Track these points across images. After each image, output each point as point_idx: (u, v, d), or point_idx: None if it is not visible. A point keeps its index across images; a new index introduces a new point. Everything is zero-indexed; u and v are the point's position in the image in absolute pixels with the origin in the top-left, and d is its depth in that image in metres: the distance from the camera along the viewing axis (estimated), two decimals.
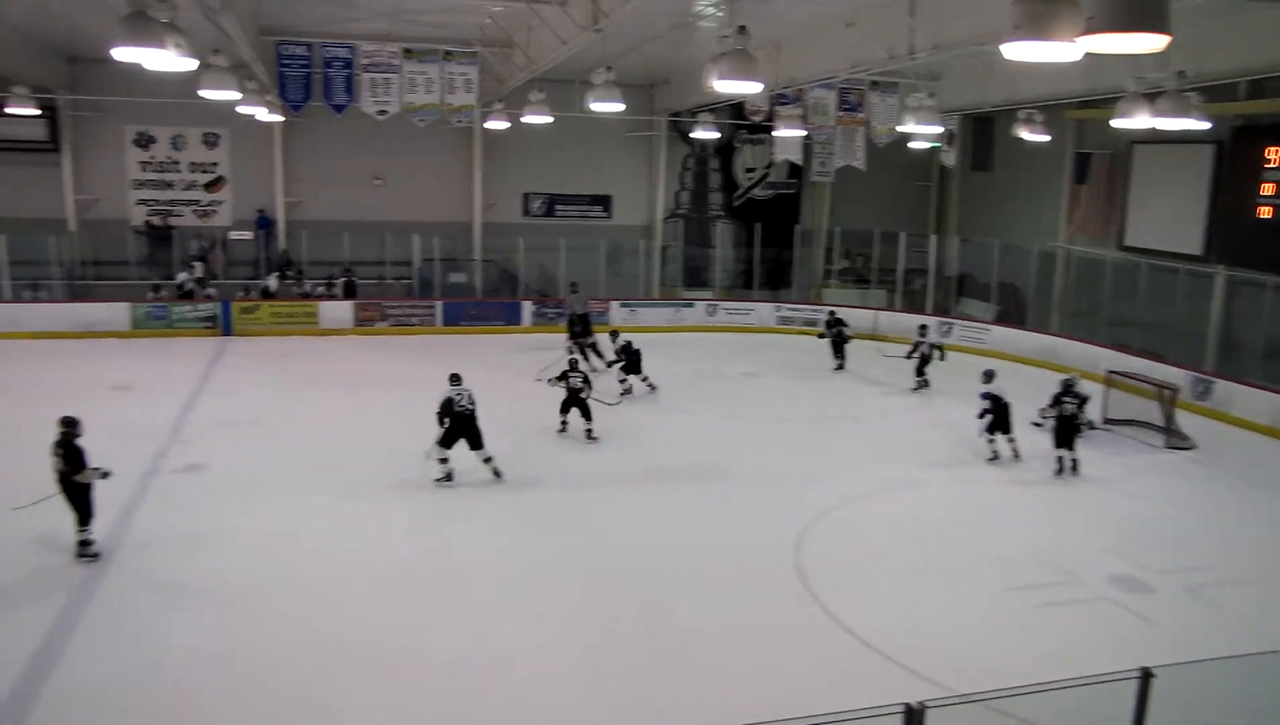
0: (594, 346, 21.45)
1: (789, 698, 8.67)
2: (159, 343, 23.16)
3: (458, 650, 9.52)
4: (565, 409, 16.60)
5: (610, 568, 11.65)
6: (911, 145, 25.77)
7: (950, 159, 28.66)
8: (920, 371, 21.15)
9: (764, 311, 27.62)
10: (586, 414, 16.37)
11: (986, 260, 27.88)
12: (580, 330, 21.99)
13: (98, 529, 11.37)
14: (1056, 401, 15.81)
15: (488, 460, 14.22)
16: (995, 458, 16.40)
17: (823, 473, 15.46)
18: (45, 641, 9.29)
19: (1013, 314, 27.63)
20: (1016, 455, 16.48)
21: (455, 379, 14.29)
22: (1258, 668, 5.76)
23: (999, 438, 16.41)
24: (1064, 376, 16.50)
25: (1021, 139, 23.31)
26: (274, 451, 15.36)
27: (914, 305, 28.89)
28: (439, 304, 25.86)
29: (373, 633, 9.73)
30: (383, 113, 23.95)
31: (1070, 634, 10.41)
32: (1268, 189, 21.05)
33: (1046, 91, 21.57)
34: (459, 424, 13.99)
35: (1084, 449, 16.64)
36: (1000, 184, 30.04)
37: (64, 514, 11.09)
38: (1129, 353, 22.01)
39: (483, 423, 14.11)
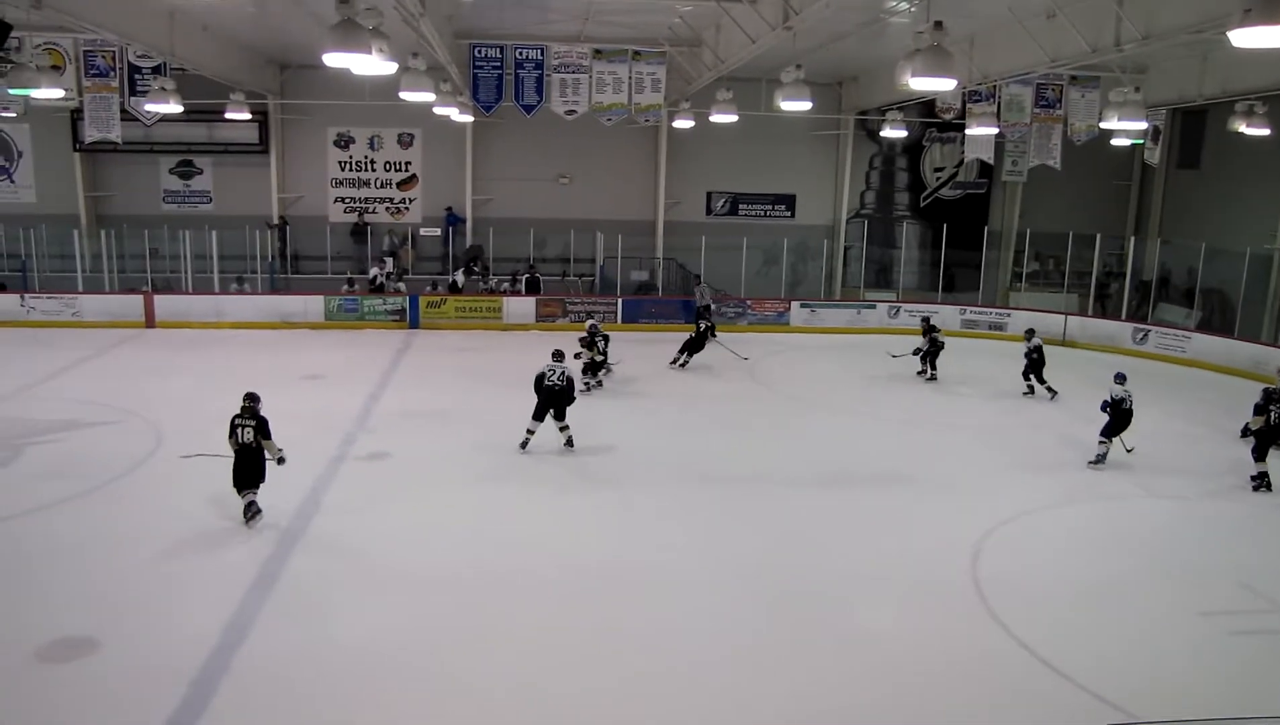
0: (712, 331, 22.24)
1: (963, 716, 8.51)
2: (350, 334, 24.30)
3: (637, 645, 9.63)
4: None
5: (789, 570, 11.54)
6: (1112, 142, 24.71)
7: (1154, 156, 27.32)
8: (932, 365, 21.31)
9: (949, 314, 26.93)
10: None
11: (1190, 264, 26.42)
12: (706, 321, 22.58)
13: (288, 507, 12.12)
14: (1262, 411, 14.89)
15: (563, 429, 15.23)
16: (1099, 460, 15.70)
17: (1000, 483, 14.94)
18: (233, 619, 9.73)
19: (1218, 321, 26.10)
20: (1128, 450, 15.86)
21: (556, 356, 15.46)
22: None
23: (1114, 441, 15.76)
24: (1266, 386, 15.51)
25: (1237, 133, 22.01)
26: (454, 443, 15.77)
27: (1108, 311, 27.65)
28: (619, 301, 26.23)
29: (554, 626, 9.92)
30: (571, 112, 24.45)
31: (1268, 666, 9.79)
32: None
33: (1270, 80, 20.13)
34: (547, 398, 15.00)
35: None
36: (1209, 182, 28.42)
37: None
38: None
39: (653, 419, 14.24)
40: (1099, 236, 27.43)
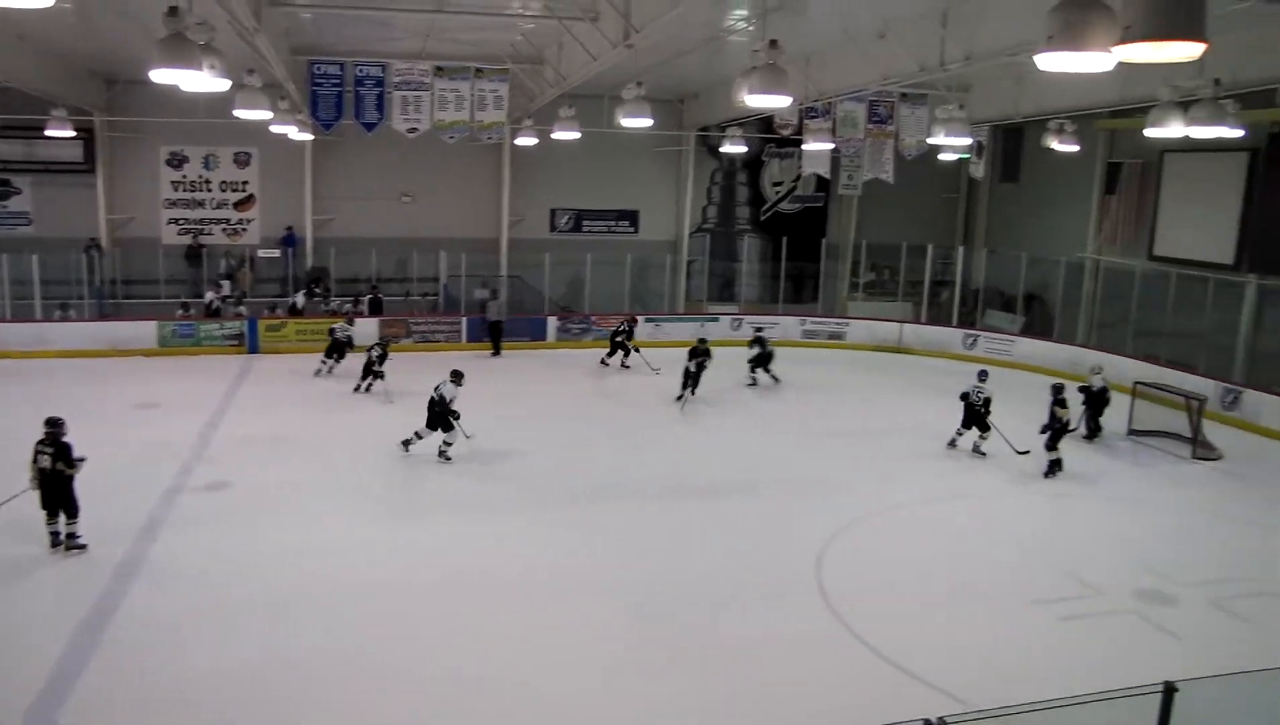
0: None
1: (814, 715, 8.78)
2: (186, 361, 23.30)
3: (485, 664, 9.63)
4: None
5: (641, 581, 11.72)
6: (940, 157, 25.81)
7: (979, 170, 28.63)
8: (765, 372, 22.40)
9: (789, 325, 27.63)
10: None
11: (1014, 272, 27.82)
12: (492, 336, 23.78)
13: (121, 539, 11.68)
14: (1064, 405, 16.09)
15: (441, 442, 15.87)
16: (953, 444, 17.14)
17: (845, 487, 15.50)
18: (67, 652, 9.39)
19: (1039, 326, 27.58)
20: (977, 450, 17.11)
21: (451, 376, 16.06)
22: None
23: (966, 433, 17.05)
24: (1055, 381, 16.74)
25: (1051, 149, 23.33)
26: (297, 469, 15.41)
27: (940, 318, 28.84)
28: (464, 320, 26.01)
29: (399, 650, 9.82)
30: (413, 130, 24.18)
31: (1094, 647, 10.43)
32: None
33: (1077, 101, 21.50)
34: (429, 411, 15.79)
35: (1111, 460, 16.70)
36: (1029, 195, 30.00)
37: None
38: (1157, 363, 21.97)
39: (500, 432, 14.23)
40: (930, 247, 28.62)
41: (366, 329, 24.44)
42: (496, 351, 24.72)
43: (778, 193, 32.09)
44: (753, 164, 31.44)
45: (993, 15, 14.75)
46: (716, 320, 27.84)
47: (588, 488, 15.05)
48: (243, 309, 25.57)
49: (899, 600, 11.40)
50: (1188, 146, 20.18)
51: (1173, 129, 15.09)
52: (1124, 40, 5.94)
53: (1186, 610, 11.46)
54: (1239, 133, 16.49)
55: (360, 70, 23.61)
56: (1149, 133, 15.42)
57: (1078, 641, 10.63)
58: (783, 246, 29.17)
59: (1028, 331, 27.20)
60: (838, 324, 28.01)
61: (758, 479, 15.80)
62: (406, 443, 16.11)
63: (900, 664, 9.84)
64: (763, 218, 31.96)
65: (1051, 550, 13.22)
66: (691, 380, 20.13)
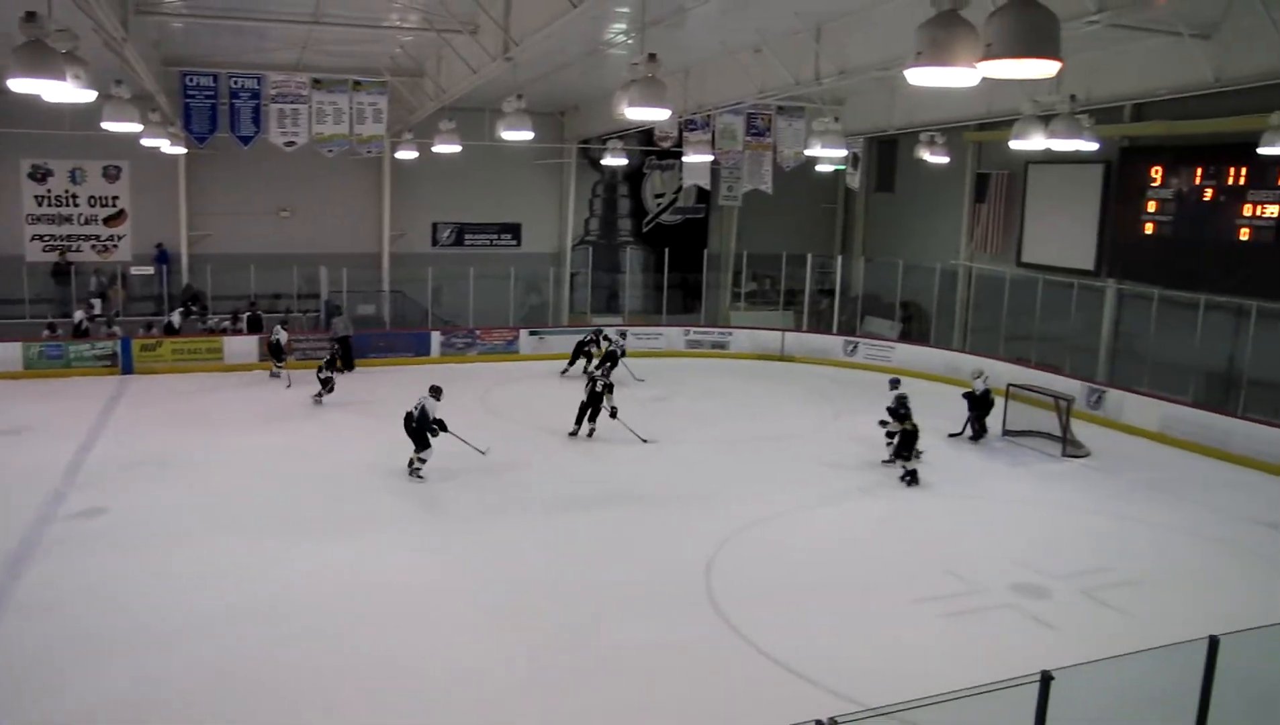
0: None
1: (706, 720, 8.89)
2: (55, 383, 22.30)
3: (376, 684, 9.51)
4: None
5: (534, 594, 11.71)
6: (817, 168, 26.37)
7: (854, 181, 29.32)
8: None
9: (673, 335, 27.89)
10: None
11: (891, 280, 28.57)
12: (342, 352, 23.42)
13: None
14: (899, 418, 16.50)
15: (415, 457, 15.82)
16: (893, 460, 17.12)
17: (732, 494, 15.71)
18: None
19: (916, 331, 28.39)
20: (917, 456, 17.17)
21: (430, 391, 16.04)
22: (1151, 663, 6.10)
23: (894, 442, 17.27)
24: (900, 393, 17.09)
25: (923, 160, 24.07)
26: (178, 492, 14.98)
27: (821, 325, 29.43)
28: (350, 337, 25.52)
29: (283, 677, 9.64)
30: (290, 144, 23.65)
31: (976, 641, 10.80)
32: (1152, 206, 22.13)
33: (946, 115, 22.32)
34: (406, 427, 15.75)
35: (987, 461, 17.30)
36: (903, 205, 30.85)
37: None
38: (1028, 366, 22.86)
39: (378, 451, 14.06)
40: (810, 256, 29.20)
41: (245, 347, 24.00)
42: (348, 367, 24.09)
43: (659, 204, 32.37)
44: (634, 176, 31.66)
45: (865, 31, 15.19)
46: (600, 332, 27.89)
47: (477, 504, 14.97)
48: (116, 329, 24.70)
49: (787, 604, 11.61)
50: (1049, 158, 21.05)
51: (1035, 141, 15.68)
52: (986, 57, 6.19)
53: (1060, 602, 11.93)
54: (1094, 146, 17.27)
55: (235, 82, 22.98)
56: (1013, 145, 16.02)
57: (960, 636, 10.98)
58: (665, 257, 29.42)
59: (906, 337, 27.99)
60: (721, 333, 28.36)
61: (647, 489, 15.91)
62: (415, 471, 15.89)
63: (790, 666, 10.02)
64: (645, 229, 32.20)
65: (932, 549, 13.62)
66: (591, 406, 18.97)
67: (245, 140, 23.45)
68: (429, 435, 15.72)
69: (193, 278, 26.85)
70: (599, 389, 18.15)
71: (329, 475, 16.03)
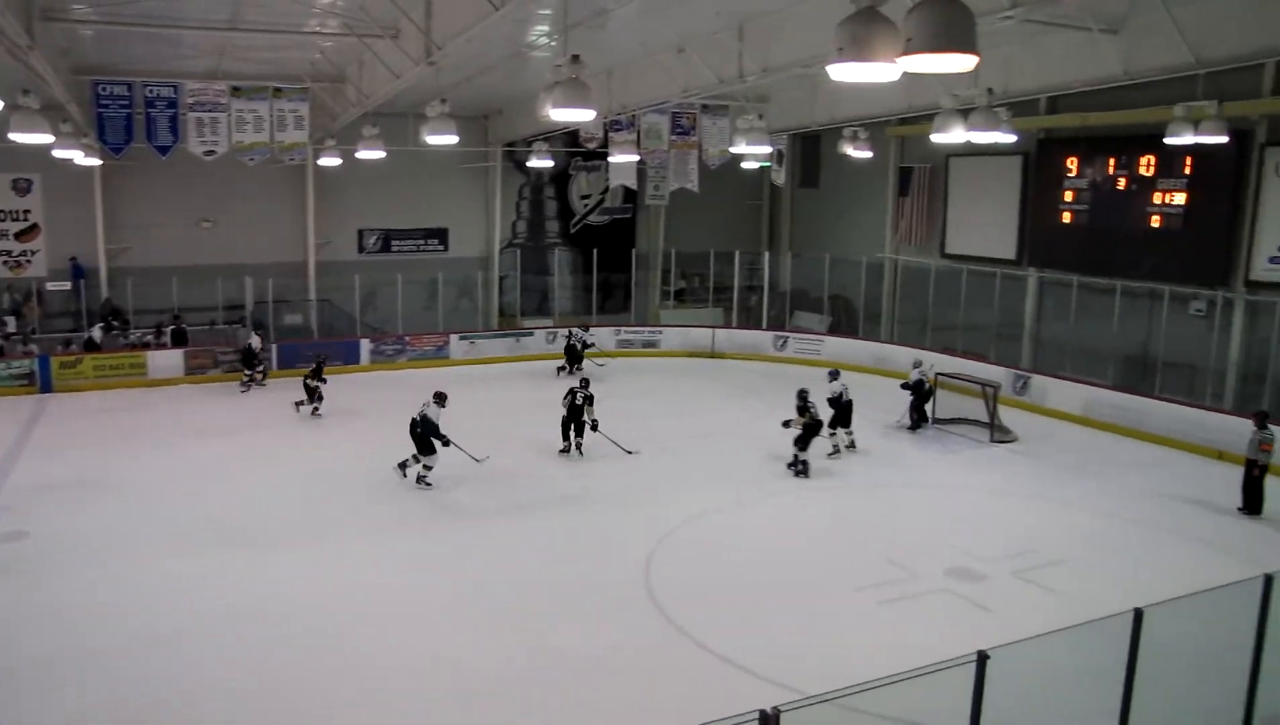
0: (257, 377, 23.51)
1: (653, 718, 8.93)
2: None
3: (313, 698, 9.44)
4: None
5: (476, 601, 11.69)
6: (743, 166, 26.57)
7: (780, 178, 29.65)
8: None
9: (604, 336, 27.93)
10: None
11: (818, 274, 28.89)
12: (253, 362, 23.41)
13: None
14: (803, 411, 16.60)
15: (420, 466, 15.84)
16: (836, 451, 17.52)
17: (669, 492, 15.82)
18: None
19: (845, 324, 28.75)
20: (853, 446, 17.84)
21: (435, 397, 16.08)
22: (1081, 638, 6.29)
23: (839, 432, 17.63)
24: (801, 388, 17.10)
25: (846, 156, 24.37)
26: (102, 514, 14.57)
27: (751, 321, 29.66)
28: (274, 347, 25.20)
29: (221, 694, 9.52)
30: (210, 153, 23.29)
31: (914, 626, 10.99)
32: (1069, 196, 22.68)
33: (868, 110, 22.65)
34: (411, 434, 15.82)
35: (919, 449, 17.62)
36: (828, 200, 31.22)
37: None
38: (954, 355, 23.28)
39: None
40: (737, 253, 29.44)
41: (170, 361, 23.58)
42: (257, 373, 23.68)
43: (586, 205, 32.40)
44: (560, 178, 31.65)
45: (786, 29, 15.37)
46: (531, 334, 27.88)
47: (412, 512, 14.87)
48: (33, 347, 24.06)
49: (727, 598, 11.72)
50: (970, 151, 21.47)
51: (955, 135, 15.97)
52: (906, 52, 6.33)
53: (994, 584, 12.19)
54: (1013, 138, 17.65)
55: (150, 91, 22.54)
56: (935, 138, 16.30)
57: (898, 622, 11.17)
58: (594, 258, 29.45)
59: (835, 331, 28.33)
60: (651, 332, 28.47)
61: (582, 491, 15.96)
62: (420, 479, 15.84)
63: (732, 659, 10.13)
64: (572, 230, 32.20)
65: (868, 539, 13.84)
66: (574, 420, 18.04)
67: (163, 150, 23.06)
68: (434, 442, 15.65)
69: (112, 292, 26.24)
70: (579, 402, 17.64)
71: (269, 487, 15.83)
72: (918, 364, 19.89)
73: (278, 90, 23.25)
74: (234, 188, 26.54)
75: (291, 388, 22.26)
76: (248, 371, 23.22)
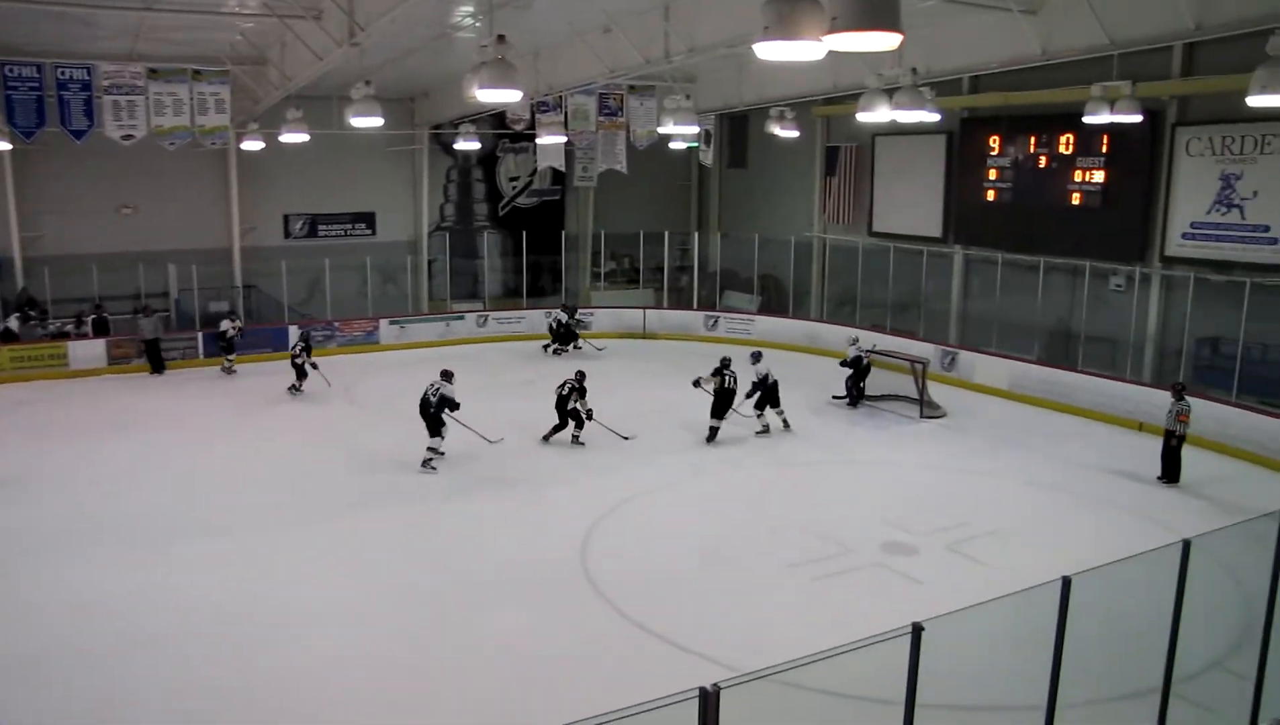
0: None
1: (590, 699, 8.96)
2: None
3: (239, 688, 9.36)
4: None
5: (410, 584, 11.64)
6: (671, 146, 26.60)
7: (708, 158, 29.70)
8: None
9: (535, 318, 27.84)
10: None
11: (747, 254, 29.04)
12: (150, 355, 23.33)
13: None
14: (718, 373, 17.00)
15: (430, 448, 15.95)
16: (766, 430, 17.68)
17: (602, 473, 15.88)
18: None
19: (775, 303, 28.98)
20: (786, 425, 17.94)
21: (442, 376, 16.17)
22: (1012, 607, 6.45)
23: (769, 412, 17.73)
24: (724, 355, 17.68)
25: (774, 135, 24.52)
26: (25, 512, 14.12)
27: (681, 302, 29.75)
28: (200, 335, 24.72)
29: (174, 687, 9.39)
30: (128, 137, 22.70)
31: (848, 601, 11.17)
32: (992, 174, 23.03)
33: (794, 90, 22.82)
34: (422, 414, 15.86)
35: (850, 426, 17.83)
36: (757, 179, 31.37)
37: None
38: (883, 332, 23.60)
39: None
40: (667, 234, 29.46)
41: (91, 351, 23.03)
42: (157, 370, 23.41)
43: (514, 187, 32.17)
44: (488, 160, 31.38)
45: (712, 9, 15.44)
46: (462, 318, 27.69)
47: (339, 499, 14.71)
48: None
49: (663, 578, 11.80)
50: (895, 130, 21.76)
51: (880, 114, 16.11)
52: (832, 30, 6.38)
53: (926, 557, 12.43)
54: (936, 117, 17.94)
55: (62, 73, 21.85)
56: (860, 118, 16.43)
57: (833, 597, 11.34)
58: (523, 241, 29.29)
59: (765, 310, 28.53)
60: (583, 314, 28.39)
61: (517, 473, 15.89)
62: (426, 462, 15.94)
63: (670, 638, 10.21)
64: (501, 213, 31.98)
65: (801, 515, 14.00)
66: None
67: (78, 134, 22.42)
68: (443, 418, 15.85)
69: (29, 281, 25.48)
70: (565, 392, 17.32)
71: (197, 480, 15.55)
72: (854, 341, 20.10)
73: (197, 73, 22.72)
74: (155, 173, 25.86)
75: (214, 376, 22.01)
76: (228, 357, 23.26)
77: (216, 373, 23.12)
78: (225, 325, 23.29)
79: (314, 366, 20.77)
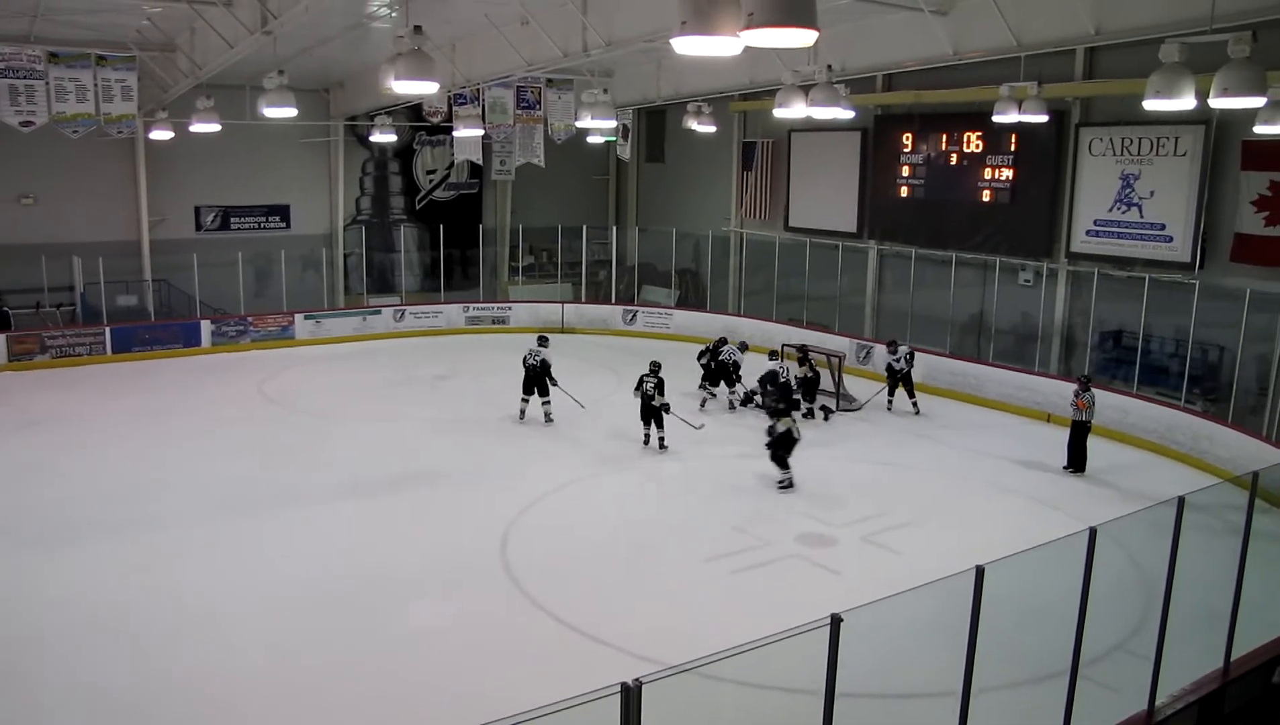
0: None
1: (511, 694, 8.94)
2: None
3: (161, 688, 9.18)
4: None
5: (325, 583, 11.47)
6: (589, 140, 26.61)
7: (626, 152, 29.73)
8: None
9: (452, 312, 27.62)
10: None
11: (665, 248, 29.17)
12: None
13: None
14: (641, 382, 16.88)
15: (545, 404, 18.00)
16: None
17: (520, 469, 15.81)
18: None
19: (693, 298, 29.14)
20: (732, 407, 19.00)
21: (539, 340, 18.22)
22: (927, 596, 6.56)
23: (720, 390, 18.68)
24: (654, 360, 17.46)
25: (691, 130, 24.62)
26: None
27: (600, 296, 29.76)
28: (107, 330, 24.03)
29: (100, 684, 9.22)
30: (27, 124, 21.94)
31: (768, 593, 11.30)
32: (905, 171, 23.42)
33: (711, 85, 22.95)
34: (527, 376, 17.86)
35: (766, 418, 17.95)
36: (674, 174, 31.50)
37: None
38: (800, 326, 23.86)
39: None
40: (585, 228, 29.43)
41: None
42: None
43: (431, 181, 31.84)
44: (404, 153, 31.01)
45: (630, 2, 15.43)
46: (379, 312, 27.36)
47: (259, 495, 14.44)
48: None
49: (582, 573, 11.83)
50: (811, 126, 21.97)
51: (796, 110, 16.24)
52: (749, 26, 6.43)
53: (843, 548, 12.63)
54: (851, 114, 18.17)
55: None
56: (777, 113, 16.53)
57: (752, 590, 11.45)
58: (440, 234, 29.02)
59: (683, 304, 28.70)
60: (500, 308, 28.29)
61: (434, 469, 15.76)
62: (548, 417, 17.93)
63: (590, 633, 10.24)
64: (418, 206, 31.61)
65: (719, 509, 14.10)
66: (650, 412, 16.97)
67: None
68: (549, 383, 17.61)
69: None
70: (649, 391, 16.57)
71: (92, 480, 15.10)
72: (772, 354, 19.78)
73: (101, 58, 22.04)
74: (57, 162, 24.98)
75: (126, 372, 21.47)
76: None
77: (125, 369, 22.51)
78: None
79: None
